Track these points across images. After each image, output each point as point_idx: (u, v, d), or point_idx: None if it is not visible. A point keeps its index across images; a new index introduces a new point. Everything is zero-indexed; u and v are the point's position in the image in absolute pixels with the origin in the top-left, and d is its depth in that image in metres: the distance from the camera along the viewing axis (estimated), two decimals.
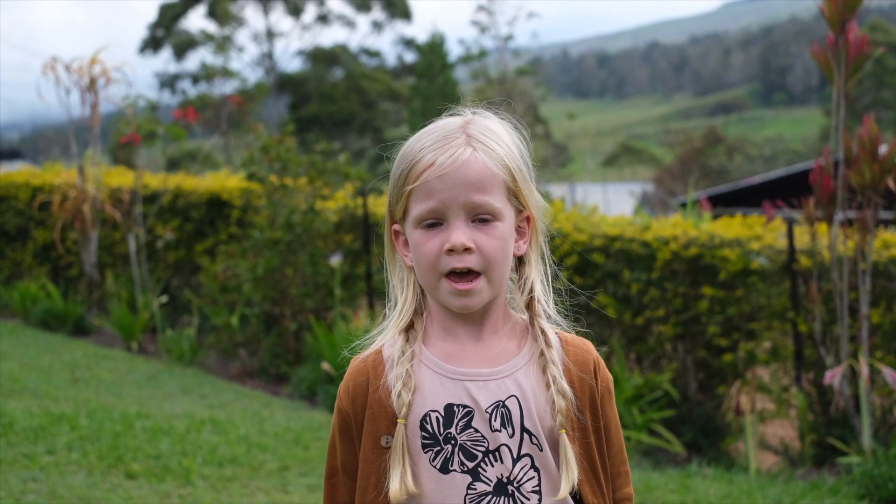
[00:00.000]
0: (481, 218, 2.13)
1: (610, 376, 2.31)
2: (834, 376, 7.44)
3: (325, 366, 9.65)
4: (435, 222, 2.13)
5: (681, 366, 9.05)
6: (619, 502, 2.32)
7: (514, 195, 2.19)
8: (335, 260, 10.62)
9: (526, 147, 2.26)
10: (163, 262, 13.32)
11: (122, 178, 14.09)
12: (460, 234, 2.10)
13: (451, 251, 2.11)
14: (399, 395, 2.17)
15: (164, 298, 12.55)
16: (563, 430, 2.16)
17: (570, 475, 2.14)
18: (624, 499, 2.33)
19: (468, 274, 2.12)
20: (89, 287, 13.47)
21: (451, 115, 2.26)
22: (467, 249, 2.10)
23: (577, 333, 2.31)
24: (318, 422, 8.44)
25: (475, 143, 2.15)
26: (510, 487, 2.15)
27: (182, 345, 11.37)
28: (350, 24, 65.12)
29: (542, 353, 2.20)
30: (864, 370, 7.39)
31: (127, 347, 11.99)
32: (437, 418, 2.16)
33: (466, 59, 64.41)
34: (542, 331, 2.23)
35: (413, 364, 2.20)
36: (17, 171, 16.50)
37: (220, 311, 11.33)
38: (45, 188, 14.25)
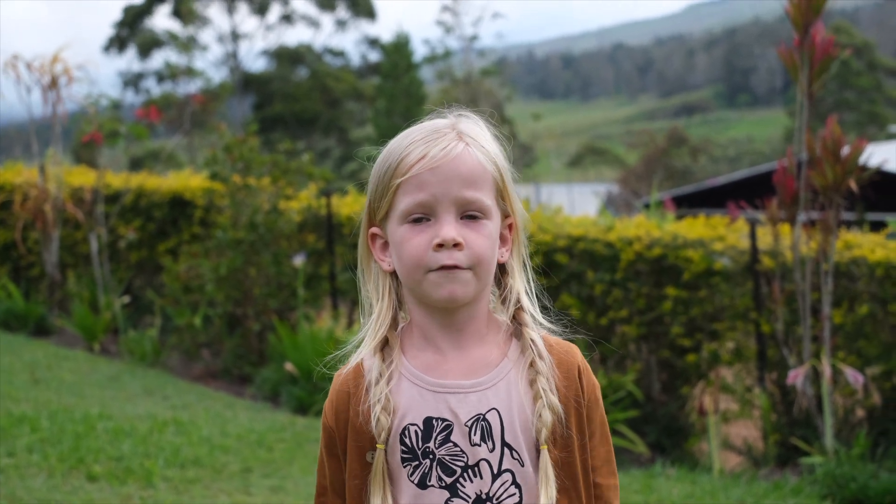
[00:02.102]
0: (471, 214, 2.08)
1: (596, 383, 2.23)
2: (797, 377, 7.47)
3: (289, 366, 9.62)
4: (422, 217, 2.07)
5: (644, 366, 9.07)
6: None
7: (502, 196, 2.15)
8: (298, 260, 10.58)
9: (507, 157, 2.22)
10: (125, 263, 13.23)
11: (83, 178, 13.98)
12: (450, 228, 2.05)
13: (440, 246, 2.05)
14: (378, 420, 2.11)
15: (126, 299, 12.47)
16: (545, 446, 2.09)
17: (549, 492, 2.07)
18: None
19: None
20: (51, 287, 13.37)
21: (437, 117, 2.21)
22: (457, 245, 2.05)
23: (566, 339, 2.24)
24: (282, 423, 8.41)
25: (467, 138, 2.12)
26: None
27: (144, 345, 11.29)
28: (314, 23, 64.99)
29: (531, 364, 2.13)
30: (826, 370, 7.43)
31: (89, 348, 11.91)
32: (416, 432, 2.11)
33: (431, 59, 64.38)
34: (533, 341, 2.16)
35: (393, 377, 2.14)
36: None
37: (183, 312, 11.26)
38: (5, 187, 14.12)
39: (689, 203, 28.39)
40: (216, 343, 11.28)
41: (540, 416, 2.09)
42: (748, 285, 8.64)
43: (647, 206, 16.59)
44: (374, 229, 2.19)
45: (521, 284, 2.22)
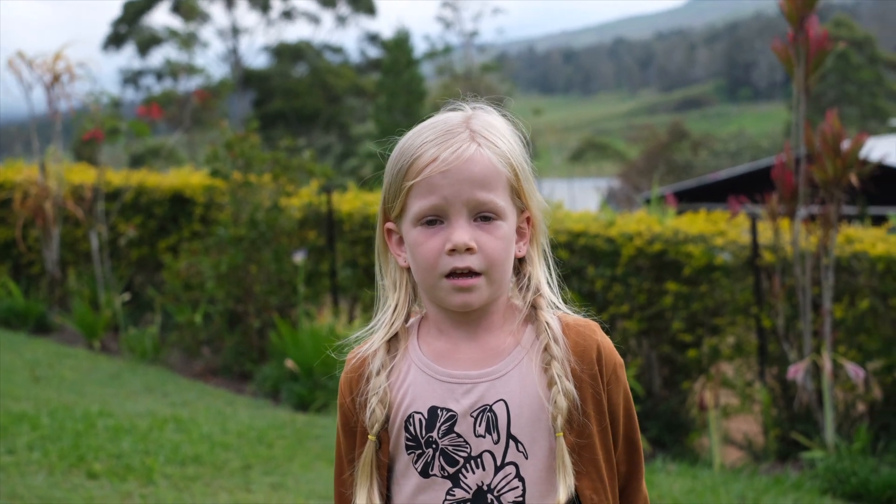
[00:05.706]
0: (484, 216, 2.05)
1: (618, 359, 2.19)
2: (797, 371, 7.47)
3: (289, 363, 9.61)
4: (435, 220, 2.05)
5: (645, 361, 9.07)
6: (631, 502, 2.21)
7: (517, 194, 2.12)
8: (299, 257, 10.57)
9: (525, 146, 2.19)
10: (125, 260, 13.23)
11: (84, 175, 13.98)
12: (462, 232, 2.03)
13: (452, 251, 2.03)
14: (373, 412, 2.11)
15: (127, 296, 12.47)
16: (561, 434, 2.04)
17: (567, 479, 2.03)
18: (636, 499, 2.22)
19: (469, 273, 2.04)
20: (51, 285, 13.37)
21: (452, 109, 2.18)
22: (469, 249, 2.03)
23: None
24: (282, 420, 8.40)
25: (479, 138, 2.08)
26: (490, 496, 2.07)
27: (145, 343, 11.29)
28: (315, 19, 64.93)
29: (545, 349, 2.09)
30: (826, 365, 7.42)
31: (89, 346, 11.90)
32: (421, 420, 2.10)
33: (432, 55, 64.38)
34: (548, 324, 2.12)
35: (396, 370, 2.14)
36: None
37: (184, 309, 11.26)
38: (5, 185, 14.12)
39: (690, 198, 28.36)
40: (216, 340, 11.27)
41: (555, 402, 2.05)
42: (749, 280, 8.64)
43: (648, 202, 16.58)
44: (390, 224, 2.17)
45: (542, 273, 2.20)
